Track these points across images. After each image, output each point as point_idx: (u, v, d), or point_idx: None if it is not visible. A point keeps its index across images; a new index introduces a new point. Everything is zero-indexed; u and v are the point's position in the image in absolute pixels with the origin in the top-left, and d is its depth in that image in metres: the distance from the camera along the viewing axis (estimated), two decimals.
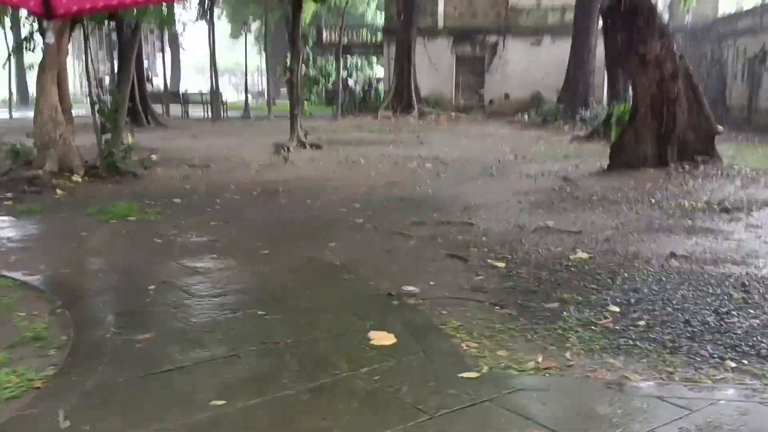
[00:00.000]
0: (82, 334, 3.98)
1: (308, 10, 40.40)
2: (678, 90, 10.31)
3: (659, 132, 10.62)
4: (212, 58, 25.36)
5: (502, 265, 5.48)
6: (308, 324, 4.14)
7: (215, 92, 25.76)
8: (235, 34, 55.38)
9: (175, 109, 28.35)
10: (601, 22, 16.44)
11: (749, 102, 20.58)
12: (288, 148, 14.42)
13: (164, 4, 10.61)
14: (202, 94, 27.88)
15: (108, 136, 10.37)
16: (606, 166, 11.10)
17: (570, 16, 27.63)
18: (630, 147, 10.84)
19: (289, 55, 15.53)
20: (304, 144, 15.13)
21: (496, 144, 16.23)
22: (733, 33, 22.44)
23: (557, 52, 27.62)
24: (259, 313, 4.28)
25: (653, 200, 8.42)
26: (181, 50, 52.13)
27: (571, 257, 5.67)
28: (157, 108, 25.90)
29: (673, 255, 5.67)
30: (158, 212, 7.84)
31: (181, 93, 29.00)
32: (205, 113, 26.42)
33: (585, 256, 5.71)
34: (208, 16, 25.93)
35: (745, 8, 25.64)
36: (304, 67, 15.31)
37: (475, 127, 22.28)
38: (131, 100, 20.69)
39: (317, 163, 12.61)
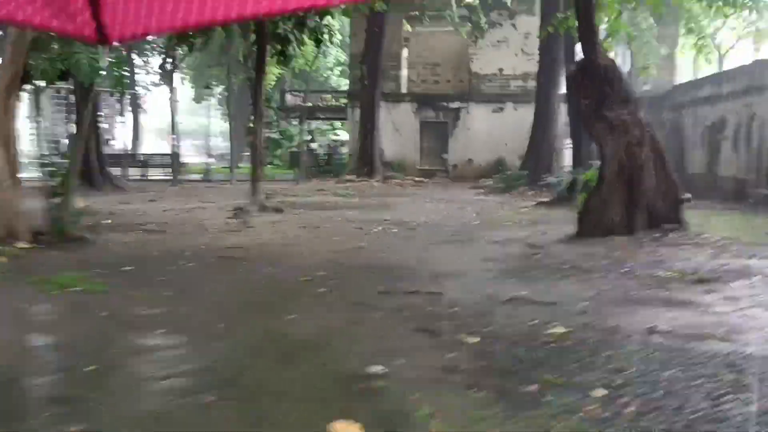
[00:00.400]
0: (7, 427, 3.48)
1: (272, 73, 40.78)
2: (645, 156, 10.28)
3: (627, 199, 10.51)
4: (172, 121, 25.09)
5: (475, 340, 5.11)
6: (263, 413, 3.69)
7: (175, 155, 25.38)
8: (198, 99, 55.46)
9: (136, 173, 27.86)
10: (565, 89, 16.73)
11: (708, 169, 20.93)
12: (248, 212, 14.01)
13: (120, 68, 10.26)
14: (160, 156, 27.49)
15: (58, 200, 9.85)
16: (574, 233, 10.92)
17: (532, 83, 28.28)
18: (597, 214, 10.69)
19: (251, 117, 15.33)
20: (265, 207, 14.74)
21: (462, 209, 16.08)
22: (691, 101, 23.03)
23: (520, 118, 28.11)
24: (209, 399, 3.82)
25: (626, 269, 8.20)
26: (142, 113, 51.80)
27: (548, 332, 5.33)
28: (117, 171, 25.39)
29: (653, 330, 5.37)
30: (107, 282, 7.31)
31: (141, 156, 28.53)
32: (167, 176, 25.98)
33: (562, 330, 5.37)
34: (169, 80, 25.77)
35: (701, 76, 26.49)
36: (266, 130, 14.97)
37: (440, 191, 22.22)
38: (88, 164, 20.22)
39: (278, 228, 12.22)
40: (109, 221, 12.51)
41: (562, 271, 8.11)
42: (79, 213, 9.87)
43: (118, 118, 35.76)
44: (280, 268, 8.22)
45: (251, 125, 15.04)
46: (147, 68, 42.95)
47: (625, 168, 10.46)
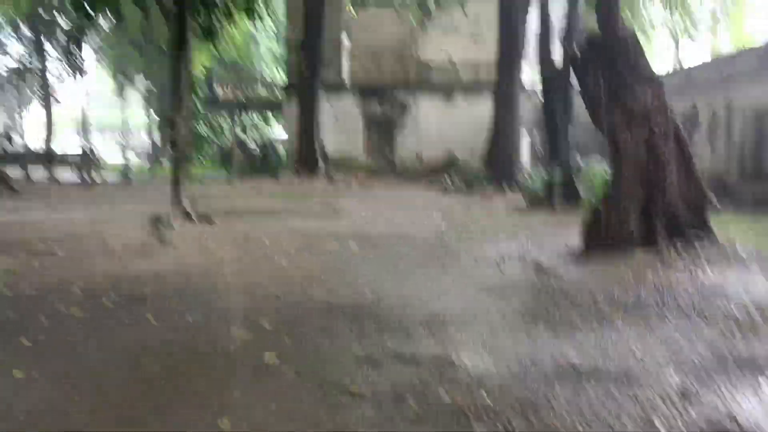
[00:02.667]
0: None
1: (199, 59, 37.66)
2: (669, 151, 8.22)
3: (646, 203, 8.44)
4: (82, 114, 21.95)
5: None
6: None
7: (87, 153, 22.23)
8: (119, 90, 51.43)
9: (43, 174, 24.50)
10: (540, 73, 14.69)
11: None
12: (168, 223, 11.37)
13: None
14: (73, 154, 24.20)
15: None
16: (579, 247, 8.79)
17: (484, 73, 26.34)
18: (609, 222, 8.59)
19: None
20: (190, 216, 12.10)
21: (424, 214, 13.80)
22: None
23: (472, 110, 26.16)
24: None
25: (681, 303, 6.07)
26: (54, 105, 47.43)
27: None
28: (18, 172, 22.09)
29: None
30: None
31: (46, 153, 25.17)
32: (81, 177, 22.75)
33: None
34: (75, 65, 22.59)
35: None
36: (191, 123, 12.30)
37: (392, 192, 19.91)
38: None
39: (207, 245, 9.63)
40: None
41: (598, 309, 5.90)
42: None
43: (22, 111, 32.02)
44: (206, 314, 5.72)
45: (170, 117, 12.32)
46: (60, 56, 38.90)
47: (646, 166, 8.39)
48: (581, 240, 8.78)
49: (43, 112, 46.58)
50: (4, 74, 37.48)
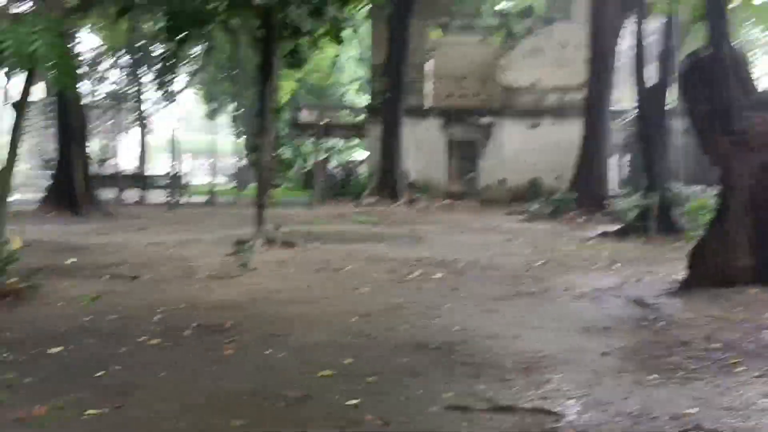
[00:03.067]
0: None
1: (286, 87, 38.36)
2: None
3: (758, 238, 7.69)
4: (172, 138, 22.57)
5: None
6: None
7: (174, 175, 22.80)
8: (211, 115, 53.04)
9: (135, 195, 25.33)
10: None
11: None
12: (251, 247, 11.31)
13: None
14: (162, 176, 24.89)
15: None
16: (682, 281, 8.09)
17: (571, 96, 25.56)
18: (716, 256, 7.88)
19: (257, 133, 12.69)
20: (272, 241, 12.03)
21: (510, 240, 13.28)
22: None
23: (558, 134, 25.35)
24: None
25: None
26: (148, 129, 49.34)
27: None
28: (113, 194, 22.94)
29: None
30: (10, 379, 4.61)
31: (139, 176, 26.03)
32: (169, 199, 23.31)
33: None
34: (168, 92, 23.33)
35: None
36: (275, 147, 12.30)
37: (474, 217, 19.42)
38: (70, 186, 17.74)
39: (287, 271, 9.47)
40: (72, 261, 9.83)
41: (716, 356, 5.28)
42: (10, 257, 7.17)
43: (118, 135, 33.39)
44: (285, 349, 5.45)
45: (256, 141, 12.35)
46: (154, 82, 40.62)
47: (758, 197, 7.66)
48: (686, 274, 8.08)
49: (138, 135, 48.75)
50: (103, 100, 39.29)
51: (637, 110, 13.70)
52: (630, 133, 24.13)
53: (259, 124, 12.36)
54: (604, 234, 13.68)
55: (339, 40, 12.17)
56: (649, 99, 13.19)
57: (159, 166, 46.51)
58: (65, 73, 6.26)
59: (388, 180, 24.08)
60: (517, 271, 9.43)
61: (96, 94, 49.36)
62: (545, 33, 26.07)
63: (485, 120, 26.42)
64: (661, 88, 12.93)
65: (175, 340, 5.73)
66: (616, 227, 14.51)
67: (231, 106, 48.30)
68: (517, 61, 26.38)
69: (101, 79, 51.75)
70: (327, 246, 12.22)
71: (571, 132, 24.97)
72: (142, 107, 48.69)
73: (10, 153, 7.31)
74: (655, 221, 12.71)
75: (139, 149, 48.15)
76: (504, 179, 26.13)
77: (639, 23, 13.51)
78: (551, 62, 25.99)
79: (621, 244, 12.43)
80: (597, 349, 5.46)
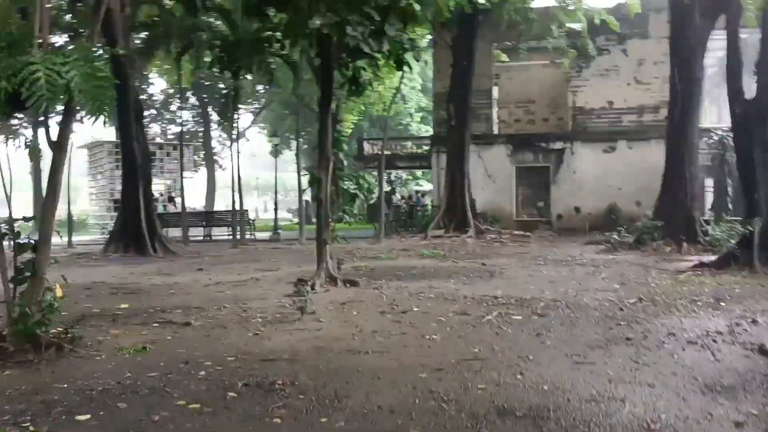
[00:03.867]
0: None
1: (349, 119, 38.12)
2: None
3: None
4: (236, 174, 22.31)
5: None
6: None
7: (238, 211, 22.50)
8: (275, 152, 53.46)
9: (200, 232, 25.23)
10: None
11: None
12: (312, 287, 10.59)
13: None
14: (221, 213, 24.65)
15: (23, 287, 6.66)
16: None
17: (649, 116, 24.23)
18: None
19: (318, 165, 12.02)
20: (334, 279, 11.28)
21: (593, 275, 12.12)
22: None
23: (635, 157, 24.01)
24: None
25: None
26: (219, 169, 50.10)
27: None
28: (177, 232, 22.81)
29: None
30: None
31: (204, 213, 25.93)
32: (234, 236, 23.02)
33: None
34: (237, 132, 23.24)
35: None
36: (342, 180, 11.62)
37: (549, 248, 18.23)
38: (135, 226, 17.57)
39: (350, 314, 8.64)
40: (123, 307, 9.29)
41: None
42: (50, 306, 6.59)
43: (187, 173, 33.63)
44: (343, 416, 4.60)
45: (315, 174, 11.70)
46: (220, 120, 41.27)
47: None
48: None
49: (206, 174, 49.50)
50: (170, 140, 40.02)
51: (733, 126, 12.38)
52: (716, 154, 22.56)
53: (319, 157, 11.71)
54: (700, 265, 12.34)
55: (401, 65, 11.42)
56: (748, 113, 11.89)
57: (225, 203, 47.03)
58: (100, 100, 5.70)
59: (455, 211, 23.15)
60: (609, 312, 8.33)
61: (165, 134, 50.70)
62: (619, 51, 24.82)
63: (556, 145, 25.24)
64: (762, 100, 11.62)
65: (218, 403, 4.95)
66: (711, 258, 13.16)
67: (295, 142, 48.63)
68: (589, 81, 25.18)
69: (170, 120, 53.23)
70: (392, 283, 11.37)
71: (650, 154, 23.60)
72: (211, 145, 49.65)
73: (48, 194, 6.79)
74: (760, 251, 11.34)
75: (207, 187, 48.91)
76: (578, 207, 24.80)
77: (733, 28, 12.27)
78: (626, 81, 24.69)
79: (722, 277, 11.09)
80: (727, 417, 4.40)
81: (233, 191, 22.64)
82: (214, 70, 13.25)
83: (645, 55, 24.24)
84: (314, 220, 12.31)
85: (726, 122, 26.76)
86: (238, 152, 23.01)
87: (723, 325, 7.33)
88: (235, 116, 23.60)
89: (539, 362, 5.92)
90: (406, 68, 11.97)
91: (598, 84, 24.98)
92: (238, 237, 21.67)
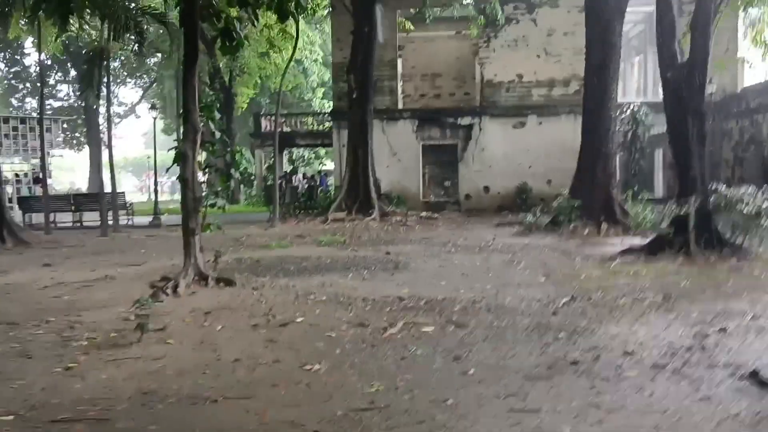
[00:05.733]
0: None
1: (244, 93, 35.40)
2: None
3: None
4: (109, 151, 19.53)
5: None
6: None
7: (110, 194, 19.72)
8: (167, 130, 49.84)
9: (69, 218, 22.16)
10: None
11: None
12: (174, 290, 8.45)
13: None
14: (87, 196, 21.75)
15: None
16: None
17: (559, 90, 23.12)
18: None
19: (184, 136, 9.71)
20: (206, 278, 9.14)
21: (512, 266, 10.51)
22: None
23: (546, 133, 22.86)
24: None
25: None
26: (104, 146, 46.05)
27: None
28: (42, 217, 19.76)
29: None
30: None
31: (73, 196, 22.88)
32: (102, 221, 20.13)
33: None
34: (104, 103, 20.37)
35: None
36: (207, 155, 9.42)
37: (459, 232, 16.66)
38: None
39: (211, 330, 6.56)
40: None
41: None
42: None
43: (58, 152, 30.12)
44: None
45: (179, 147, 9.44)
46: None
47: None
48: None
49: (92, 154, 45.46)
50: (50, 115, 35.94)
51: (665, 95, 11.03)
52: (626, 130, 21.73)
53: (184, 129, 9.46)
54: (629, 251, 10.98)
55: (284, 15, 9.32)
56: (679, 81, 10.55)
57: (104, 185, 43.18)
58: None
59: (358, 192, 21.28)
60: (540, 317, 6.66)
61: (45, 110, 46.13)
62: (528, 21, 23.51)
63: (464, 120, 23.76)
64: (697, 65, 10.30)
65: None
66: (636, 241, 11.89)
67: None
68: (497, 53, 23.77)
69: (51, 95, 48.58)
70: (278, 281, 9.36)
71: (560, 130, 22.57)
72: (97, 122, 45.56)
73: None
74: (697, 234, 10.06)
75: (90, 168, 44.94)
76: (487, 186, 23.47)
77: None
78: (536, 53, 23.44)
79: (657, 265, 9.70)
80: None
81: (111, 172, 19.83)
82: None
83: (555, 25, 23.08)
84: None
85: (631, 97, 26.26)
86: (109, 125, 20.26)
87: (687, 336, 5.79)
88: (110, 89, 20.65)
89: (463, 412, 4.11)
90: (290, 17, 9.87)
91: (507, 56, 23.61)
92: (111, 223, 18.92)
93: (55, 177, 40.33)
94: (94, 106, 43.86)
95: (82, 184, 43.01)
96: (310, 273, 10.15)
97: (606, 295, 7.63)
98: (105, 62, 18.41)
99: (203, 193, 9.69)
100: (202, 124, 9.57)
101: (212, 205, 9.83)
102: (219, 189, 10.05)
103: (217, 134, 10.04)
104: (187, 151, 9.33)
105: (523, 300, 7.52)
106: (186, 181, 9.36)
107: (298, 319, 6.86)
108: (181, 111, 9.52)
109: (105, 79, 19.83)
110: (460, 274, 9.78)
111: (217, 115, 9.94)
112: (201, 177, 10.23)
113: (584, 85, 16.22)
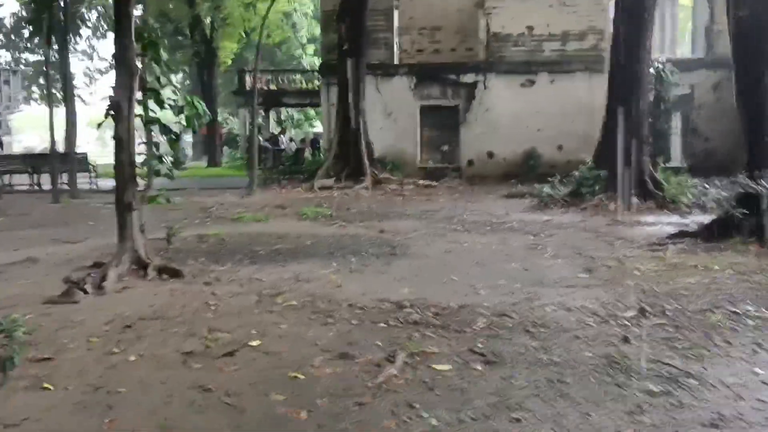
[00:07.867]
0: None
1: (227, 47, 32.79)
2: None
3: None
4: (66, 108, 17.24)
5: None
6: None
7: (69, 156, 17.50)
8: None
9: (26, 180, 19.92)
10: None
11: None
12: (100, 283, 6.36)
13: None
14: (42, 156, 19.47)
15: None
16: None
17: (574, 44, 20.83)
18: None
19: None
20: (145, 267, 7.02)
21: (537, 252, 8.38)
22: None
23: (557, 93, 20.64)
24: None
25: None
26: (79, 103, 43.44)
27: None
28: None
29: None
30: None
31: (24, 156, 20.62)
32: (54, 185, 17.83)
33: None
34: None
35: None
36: (141, 106, 7.11)
37: (463, 203, 14.51)
38: None
39: (120, 364, 4.43)
40: None
41: None
42: None
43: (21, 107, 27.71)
44: None
45: (113, 105, 7.16)
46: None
47: None
48: None
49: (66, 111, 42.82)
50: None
51: (736, 39, 8.83)
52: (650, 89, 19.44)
53: (117, 81, 7.20)
54: (680, 235, 8.88)
55: None
56: (758, 18, 8.37)
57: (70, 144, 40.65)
58: None
59: (347, 156, 19.07)
60: (607, 345, 4.58)
61: (18, 63, 43.44)
62: None
63: (468, 77, 21.41)
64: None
65: None
66: (676, 219, 9.84)
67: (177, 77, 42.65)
68: (505, 3, 21.32)
69: (27, 48, 45.81)
70: (239, 272, 7.24)
71: (574, 89, 20.38)
72: (70, 78, 42.80)
73: None
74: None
75: (66, 126, 42.31)
76: (491, 152, 21.24)
77: None
78: (548, 3, 20.99)
79: (726, 255, 7.61)
80: None
81: (67, 130, 17.56)
82: None
83: None
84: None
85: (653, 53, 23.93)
86: (67, 77, 18.00)
87: None
88: (67, 35, 18.21)
89: None
90: None
91: (516, 6, 21.14)
92: (63, 188, 16.71)
93: (27, 135, 37.80)
94: (51, 58, 41.18)
95: (61, 144, 40.59)
96: (284, 259, 8.03)
97: (684, 305, 5.54)
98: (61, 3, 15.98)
99: (144, 157, 7.50)
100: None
101: (157, 173, 7.63)
102: (161, 153, 7.83)
103: (164, 80, 7.77)
104: (121, 100, 7.12)
105: (571, 311, 5.43)
106: (120, 141, 7.16)
107: (253, 342, 4.75)
108: (115, 52, 7.24)
109: (63, 25, 17.41)
110: (473, 263, 7.69)
111: (165, 56, 7.67)
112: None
113: (613, 35, 13.93)
